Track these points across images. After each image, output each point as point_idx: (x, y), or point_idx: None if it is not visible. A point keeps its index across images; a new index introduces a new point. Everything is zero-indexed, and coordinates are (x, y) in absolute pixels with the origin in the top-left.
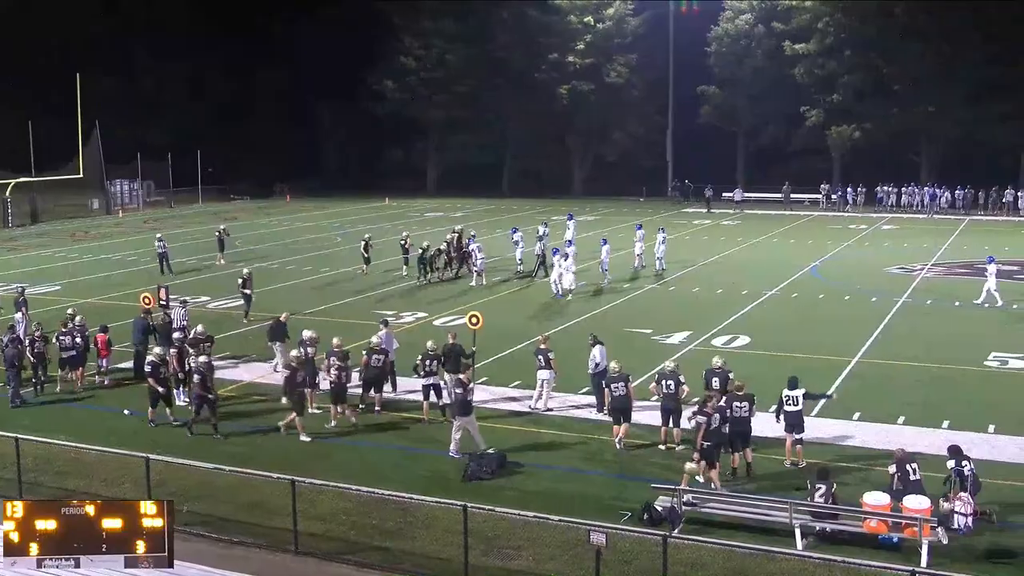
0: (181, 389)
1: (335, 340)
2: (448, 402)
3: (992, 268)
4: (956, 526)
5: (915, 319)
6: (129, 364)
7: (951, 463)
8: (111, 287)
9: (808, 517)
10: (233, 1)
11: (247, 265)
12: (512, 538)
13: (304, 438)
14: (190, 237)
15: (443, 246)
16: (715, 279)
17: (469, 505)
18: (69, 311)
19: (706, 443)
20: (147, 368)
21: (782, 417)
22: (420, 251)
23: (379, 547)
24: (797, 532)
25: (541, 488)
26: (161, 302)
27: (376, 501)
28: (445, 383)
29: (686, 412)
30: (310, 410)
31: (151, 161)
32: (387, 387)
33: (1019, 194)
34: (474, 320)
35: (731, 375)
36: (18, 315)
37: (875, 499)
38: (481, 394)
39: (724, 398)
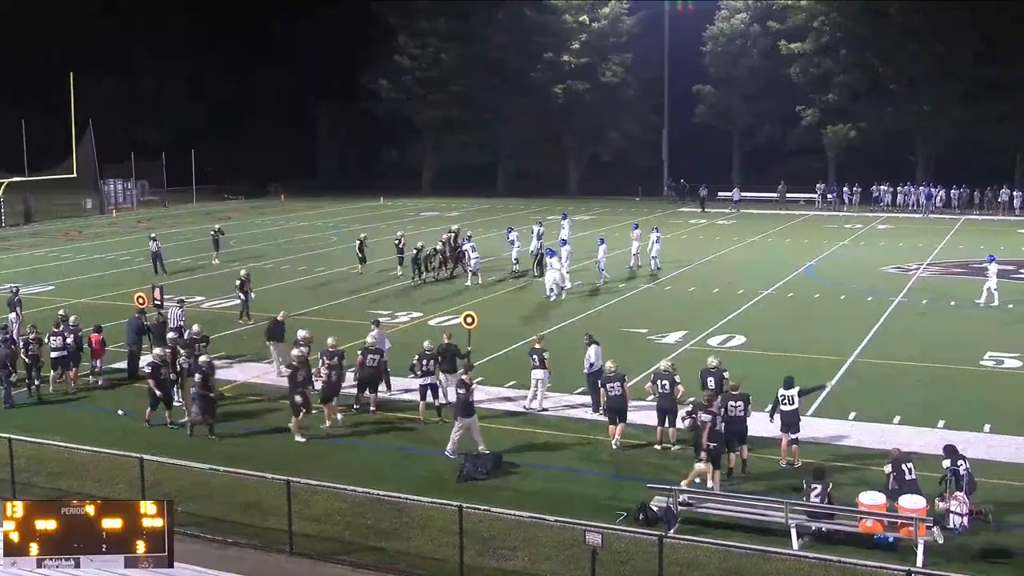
0: (175, 390)
1: (330, 340)
2: (444, 402)
3: (993, 267)
4: (952, 526)
5: (911, 319)
6: (123, 364)
7: (947, 463)
8: (105, 287)
9: (804, 517)
10: (233, 1)
11: (242, 265)
12: (508, 538)
13: (299, 439)
14: (184, 237)
15: (439, 245)
16: (711, 279)
17: (464, 505)
18: (60, 312)
19: (712, 444)
20: (147, 368)
21: (776, 417)
22: (414, 251)
23: (374, 547)
24: (793, 532)
25: (537, 488)
26: (155, 302)
27: (371, 501)
28: (441, 383)
29: (680, 412)
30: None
31: (146, 161)
32: (381, 387)
33: (1014, 193)
34: (469, 320)
35: (726, 375)
36: (12, 315)
37: (871, 499)
38: (476, 394)
39: (720, 398)
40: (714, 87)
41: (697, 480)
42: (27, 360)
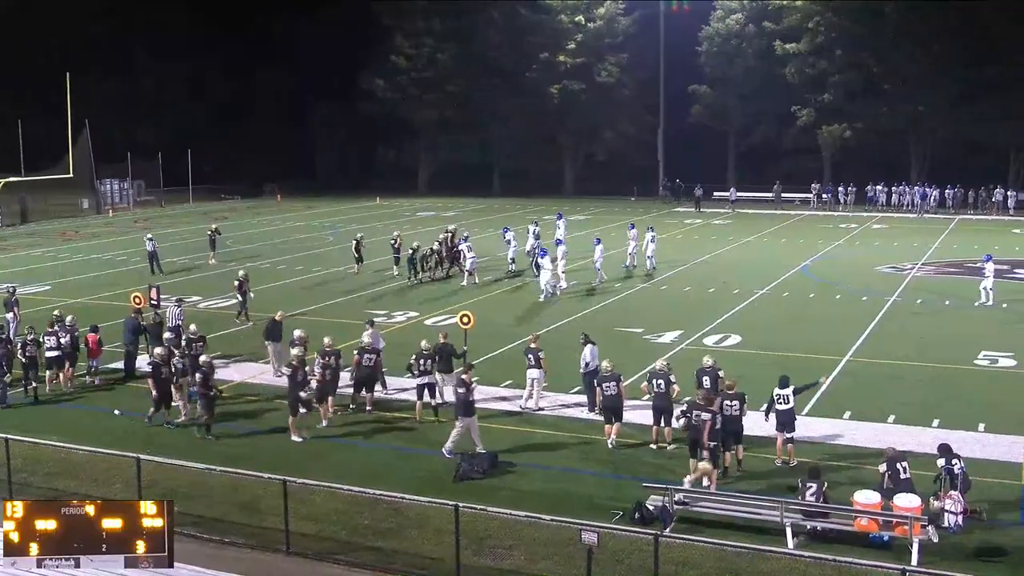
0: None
1: (326, 340)
2: (441, 401)
3: (990, 267)
4: (946, 524)
5: (906, 318)
6: (120, 364)
7: (941, 461)
8: (101, 287)
9: (799, 516)
10: (233, 1)
11: (239, 265)
12: (504, 538)
13: (296, 438)
14: (180, 237)
15: (436, 245)
16: (706, 278)
17: (461, 505)
18: (56, 312)
19: (712, 443)
20: (148, 368)
21: (772, 416)
22: (410, 251)
23: (371, 547)
24: (788, 531)
25: (533, 488)
26: (152, 302)
27: (368, 501)
28: (438, 382)
29: (675, 411)
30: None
31: (143, 161)
32: (377, 386)
33: (1008, 193)
34: (465, 320)
35: (722, 374)
36: (9, 315)
37: (866, 498)
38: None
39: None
40: (710, 87)
41: (704, 481)
42: (24, 360)
